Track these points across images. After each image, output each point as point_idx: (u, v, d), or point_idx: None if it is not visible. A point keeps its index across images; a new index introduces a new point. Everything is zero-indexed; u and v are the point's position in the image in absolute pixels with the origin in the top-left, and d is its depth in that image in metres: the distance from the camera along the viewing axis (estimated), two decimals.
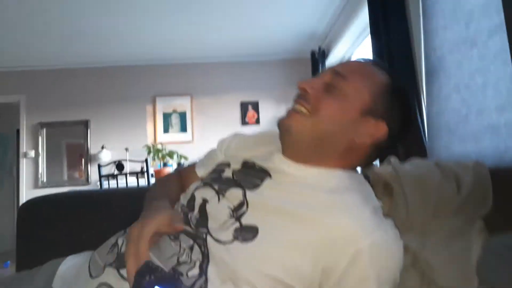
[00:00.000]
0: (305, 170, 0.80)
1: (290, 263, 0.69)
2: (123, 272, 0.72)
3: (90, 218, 1.08)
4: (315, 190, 0.77)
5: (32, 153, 4.91)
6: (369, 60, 0.89)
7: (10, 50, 4.45)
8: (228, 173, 0.86)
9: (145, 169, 4.06)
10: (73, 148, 5.05)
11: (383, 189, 1.11)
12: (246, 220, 0.74)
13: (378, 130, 0.79)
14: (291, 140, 0.82)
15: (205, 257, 0.72)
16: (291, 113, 0.82)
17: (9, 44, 4.27)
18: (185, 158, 4.17)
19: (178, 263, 0.72)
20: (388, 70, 0.86)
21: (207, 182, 0.86)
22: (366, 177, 1.17)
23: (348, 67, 0.84)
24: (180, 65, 5.04)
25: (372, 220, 0.71)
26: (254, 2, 3.58)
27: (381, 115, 0.79)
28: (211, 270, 0.70)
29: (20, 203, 4.79)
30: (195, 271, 0.71)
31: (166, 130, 5.00)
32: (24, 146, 4.95)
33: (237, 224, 0.74)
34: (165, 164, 4.29)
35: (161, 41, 4.40)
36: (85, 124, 4.94)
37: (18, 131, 5.12)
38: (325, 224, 0.70)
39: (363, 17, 2.94)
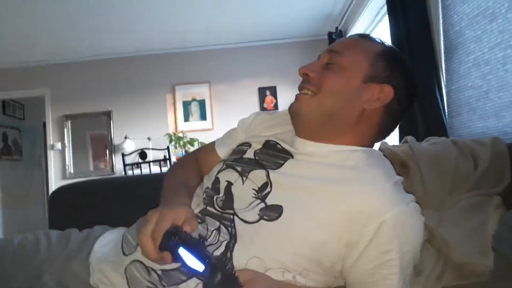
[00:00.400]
0: (325, 147, 0.82)
1: (315, 239, 0.72)
2: None
3: (117, 203, 1.13)
4: (337, 168, 0.78)
5: (58, 145, 5.06)
6: (361, 34, 0.91)
7: (33, 45, 4.55)
8: (250, 153, 0.88)
9: (167, 157, 4.15)
10: (97, 139, 5.17)
11: (400, 168, 1.12)
12: (270, 200, 0.76)
13: (383, 93, 0.80)
14: (303, 121, 0.84)
15: (232, 237, 0.75)
16: (297, 97, 0.85)
17: (32, 40, 4.37)
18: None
19: (206, 240, 0.75)
20: (380, 40, 0.87)
21: (229, 164, 0.88)
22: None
23: (342, 44, 0.86)
24: (198, 53, 5.06)
25: (394, 194, 0.73)
26: None
27: (383, 79, 0.80)
28: (237, 248, 0.73)
29: (49, 194, 4.97)
30: (221, 249, 0.74)
31: (186, 118, 5.05)
32: (50, 138, 5.10)
33: (262, 204, 0.76)
34: (186, 152, 4.36)
35: (178, 29, 4.41)
36: (108, 115, 5.05)
37: (44, 124, 5.27)
38: (348, 199, 0.72)
39: None
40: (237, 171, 0.85)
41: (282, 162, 0.82)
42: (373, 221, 0.70)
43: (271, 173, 0.80)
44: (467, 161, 1.02)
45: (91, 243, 0.93)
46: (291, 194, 0.76)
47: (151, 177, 1.46)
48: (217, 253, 0.74)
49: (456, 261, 0.80)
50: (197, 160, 1.03)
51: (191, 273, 0.67)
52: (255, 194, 0.78)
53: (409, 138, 1.22)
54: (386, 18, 2.45)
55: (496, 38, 1.59)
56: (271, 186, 0.78)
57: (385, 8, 2.49)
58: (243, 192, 0.80)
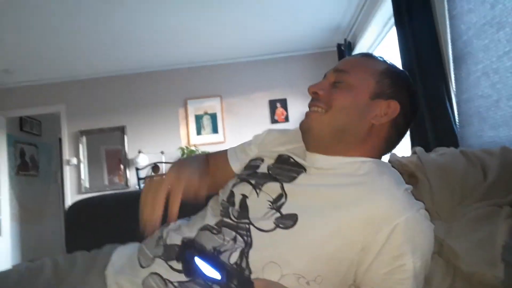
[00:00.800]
0: (336, 160, 0.86)
1: (330, 245, 0.74)
2: (171, 263, 0.79)
3: (132, 216, 1.15)
4: (349, 176, 0.82)
5: (74, 160, 5.15)
6: (364, 53, 0.96)
7: (48, 63, 4.68)
8: (263, 168, 0.91)
9: None
10: (111, 153, 5.25)
11: (408, 179, 1.12)
12: (285, 209, 0.79)
13: (390, 108, 0.85)
14: (314, 137, 0.88)
15: (248, 245, 0.77)
16: (308, 114, 0.89)
17: (47, 57, 4.50)
18: None
19: (220, 251, 0.77)
20: (382, 58, 0.92)
21: (243, 178, 0.91)
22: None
23: (348, 63, 0.91)
24: (209, 67, 5.13)
25: (405, 200, 0.76)
26: None
27: (389, 95, 0.85)
28: (252, 254, 0.75)
29: (65, 209, 5.06)
30: (236, 255, 0.76)
31: (198, 132, 5.10)
32: (66, 153, 5.20)
33: (277, 214, 0.79)
34: None
35: (189, 44, 4.49)
36: (122, 130, 5.13)
37: (60, 140, 5.38)
38: (361, 205, 0.75)
39: (387, 7, 2.91)
40: (251, 184, 0.87)
41: (296, 175, 0.86)
42: (385, 226, 0.73)
43: (285, 185, 0.83)
44: (476, 171, 1.02)
45: (106, 257, 0.95)
46: (305, 203, 0.79)
47: None
48: (233, 259, 0.76)
49: (465, 271, 0.80)
50: (208, 161, 1.06)
51: (209, 281, 0.69)
52: (270, 205, 0.81)
53: (418, 149, 1.23)
54: (394, 29, 2.46)
55: (504, 47, 1.60)
56: (286, 197, 0.81)
57: (393, 19, 2.51)
58: (258, 204, 0.83)
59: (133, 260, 0.88)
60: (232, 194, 0.88)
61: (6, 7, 3.26)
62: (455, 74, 1.97)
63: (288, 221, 0.76)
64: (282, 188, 0.83)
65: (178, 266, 0.78)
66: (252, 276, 0.73)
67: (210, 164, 1.05)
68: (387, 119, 0.85)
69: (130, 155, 5.08)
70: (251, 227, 0.79)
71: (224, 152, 1.08)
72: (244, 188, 0.87)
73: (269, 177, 0.87)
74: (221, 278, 0.66)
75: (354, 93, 0.85)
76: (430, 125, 2.02)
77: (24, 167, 5.87)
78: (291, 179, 0.85)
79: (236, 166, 1.03)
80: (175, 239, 0.83)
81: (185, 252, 0.70)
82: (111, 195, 1.52)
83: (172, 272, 0.78)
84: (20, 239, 5.54)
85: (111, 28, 3.90)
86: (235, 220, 0.82)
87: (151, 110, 5.11)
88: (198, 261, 0.68)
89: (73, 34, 3.94)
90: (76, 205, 1.36)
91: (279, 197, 0.82)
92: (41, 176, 6.24)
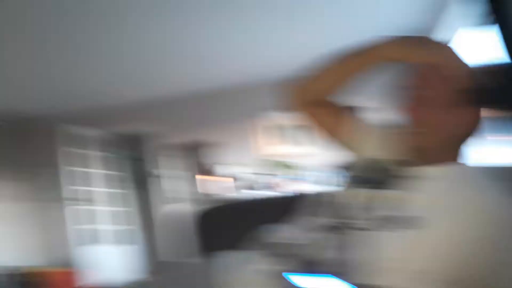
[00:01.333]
0: (434, 169, 0.84)
1: (436, 253, 0.73)
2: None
3: (258, 222, 1.28)
4: (447, 182, 0.81)
5: (164, 173, 5.57)
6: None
7: (141, 83, 5.07)
8: (358, 173, 0.95)
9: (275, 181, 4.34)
10: (201, 167, 5.51)
11: None
12: (404, 213, 0.78)
13: (473, 116, 0.83)
14: (420, 158, 0.86)
15: (347, 243, 0.81)
16: (410, 136, 0.87)
17: (140, 77, 4.87)
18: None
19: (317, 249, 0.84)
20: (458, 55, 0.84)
21: (355, 186, 0.93)
22: None
23: (421, 75, 0.85)
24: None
25: (494, 211, 0.73)
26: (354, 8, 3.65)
27: (472, 100, 0.81)
28: (351, 253, 0.79)
29: (154, 219, 5.42)
30: (331, 253, 0.82)
31: (282, 144, 5.17)
32: (156, 166, 5.65)
33: (381, 216, 0.80)
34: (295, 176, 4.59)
35: (268, 55, 4.58)
36: (210, 144, 5.41)
37: (150, 153, 5.82)
38: (467, 209, 0.74)
39: (474, 6, 2.82)
40: (352, 189, 0.92)
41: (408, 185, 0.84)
42: (480, 238, 0.71)
43: (393, 193, 0.84)
44: None
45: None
46: (421, 209, 0.77)
47: (281, 198, 1.56)
48: (329, 256, 0.81)
49: None
50: None
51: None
52: (383, 212, 0.81)
53: None
54: (479, 29, 2.39)
55: None
56: (388, 201, 0.82)
57: (477, 19, 2.44)
58: (360, 207, 0.85)
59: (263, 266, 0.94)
60: (334, 200, 0.93)
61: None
62: None
63: (394, 224, 0.77)
64: (391, 195, 0.84)
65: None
66: None
67: None
68: (471, 127, 0.84)
69: (218, 169, 5.36)
70: (351, 226, 0.83)
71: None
72: (346, 194, 0.92)
73: (367, 180, 0.90)
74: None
75: (436, 109, 0.82)
76: None
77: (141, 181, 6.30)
78: (393, 184, 0.86)
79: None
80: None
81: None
82: (237, 202, 1.66)
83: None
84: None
85: (194, 45, 4.13)
86: (337, 220, 0.87)
87: (238, 124, 5.38)
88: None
89: (151, 54, 4.27)
90: (206, 213, 1.53)
91: (382, 200, 0.83)
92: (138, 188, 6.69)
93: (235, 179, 4.97)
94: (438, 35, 3.90)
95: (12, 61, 3.98)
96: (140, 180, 6.76)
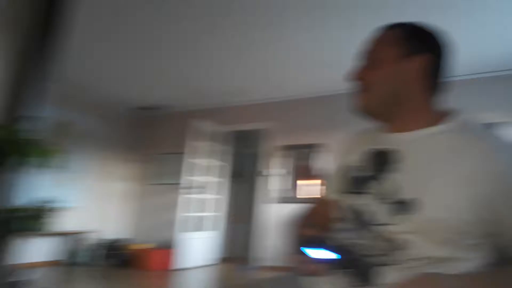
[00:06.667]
0: (416, 134, 0.90)
1: (455, 214, 0.76)
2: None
3: None
4: (440, 147, 0.84)
5: (277, 171, 5.71)
6: (382, 27, 1.00)
7: (271, 84, 5.43)
8: (362, 172, 0.94)
9: None
10: (303, 168, 5.59)
11: None
12: (403, 197, 0.82)
13: (415, 61, 0.91)
14: (372, 114, 0.95)
15: (388, 246, 0.82)
16: (355, 97, 0.97)
17: (256, 81, 5.24)
18: None
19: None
20: (397, 23, 0.98)
21: (351, 191, 0.94)
22: None
23: (371, 43, 0.99)
24: None
25: (498, 151, 0.79)
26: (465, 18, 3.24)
27: (412, 51, 0.91)
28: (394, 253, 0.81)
29: (263, 215, 5.63)
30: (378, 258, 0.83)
31: None
32: (266, 165, 5.85)
33: (397, 205, 0.82)
34: None
35: None
36: (320, 146, 5.44)
37: (267, 151, 6.05)
38: (465, 167, 0.78)
39: None
40: (359, 193, 0.91)
41: (396, 164, 0.87)
42: (492, 176, 0.75)
43: (393, 176, 0.86)
44: None
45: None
46: (418, 185, 0.81)
47: None
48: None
49: None
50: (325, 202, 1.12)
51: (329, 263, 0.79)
52: (386, 201, 0.84)
53: None
54: None
55: None
56: (398, 187, 0.84)
57: None
58: (376, 205, 0.86)
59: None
60: (347, 208, 0.93)
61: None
62: None
63: (410, 208, 0.79)
64: (391, 181, 0.85)
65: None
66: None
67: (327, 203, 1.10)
68: (416, 72, 0.90)
69: (322, 171, 5.32)
70: (376, 227, 0.84)
71: (327, 198, 1.11)
72: (357, 199, 0.91)
73: (373, 177, 0.90)
74: (338, 257, 0.77)
75: (384, 65, 0.93)
76: None
77: (238, 173, 6.81)
78: (394, 169, 0.87)
79: (334, 195, 1.05)
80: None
81: (299, 247, 0.82)
82: None
83: None
84: (224, 236, 6.45)
85: (309, 54, 4.26)
86: (359, 228, 0.87)
87: (342, 129, 5.24)
88: (309, 251, 0.78)
89: (290, 57, 4.48)
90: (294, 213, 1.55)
91: (393, 191, 0.84)
92: (248, 183, 7.10)
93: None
94: None
95: (159, 63, 4.84)
96: (249, 176, 7.12)
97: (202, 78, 5.29)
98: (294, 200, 5.42)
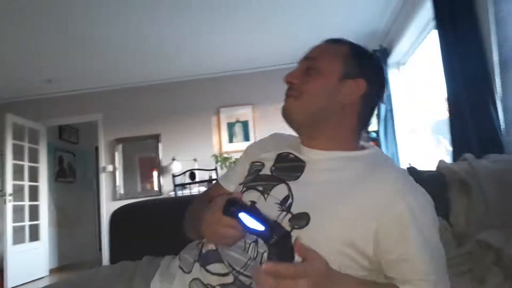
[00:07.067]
0: (331, 154, 0.89)
1: (344, 236, 0.76)
2: (209, 267, 0.83)
3: (173, 222, 1.17)
4: (348, 170, 0.85)
5: (110, 168, 5.29)
6: (329, 39, 0.99)
7: (86, 73, 4.87)
8: (265, 171, 0.93)
9: (213, 177, 4.21)
10: (145, 161, 5.37)
11: (459, 186, 1.08)
12: (295, 209, 0.81)
13: (358, 86, 0.89)
14: (295, 123, 0.93)
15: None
16: (285, 101, 0.94)
17: (85, 68, 4.68)
18: None
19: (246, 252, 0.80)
20: (347, 40, 0.97)
21: (250, 186, 0.92)
22: (442, 175, 1.15)
23: (315, 50, 0.96)
24: (241, 75, 5.18)
25: (405, 184, 0.80)
26: (311, 5, 3.62)
27: (356, 74, 0.90)
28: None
29: (101, 215, 5.20)
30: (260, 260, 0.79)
31: (230, 139, 5.15)
32: (102, 161, 5.36)
33: (289, 215, 0.80)
34: None
35: (222, 52, 4.56)
36: (156, 138, 5.25)
37: (97, 148, 5.55)
38: (364, 195, 0.78)
39: (425, 11, 2.84)
40: (258, 190, 0.89)
41: (299, 173, 0.87)
42: (390, 211, 0.76)
43: (291, 184, 0.85)
44: None
45: (150, 267, 0.98)
46: (313, 200, 0.81)
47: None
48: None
49: None
50: (212, 196, 1.05)
51: (253, 233, 0.73)
52: (279, 207, 0.82)
53: (468, 155, 1.19)
54: (433, 32, 2.40)
55: None
56: (292, 197, 0.83)
57: (432, 23, 2.45)
58: (268, 208, 0.83)
59: (175, 267, 0.91)
60: None
61: (47, 17, 3.42)
62: (501, 79, 1.90)
63: (301, 221, 0.78)
64: (289, 188, 0.85)
65: (216, 269, 0.82)
66: None
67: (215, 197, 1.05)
68: (355, 96, 0.89)
69: (164, 163, 5.18)
70: None
71: (217, 183, 1.10)
72: (252, 195, 0.88)
73: (274, 178, 0.89)
74: (265, 230, 0.70)
75: (323, 78, 0.90)
76: (473, 131, 1.95)
77: (62, 174, 6.09)
78: (296, 177, 0.87)
79: (231, 186, 1.04)
80: (210, 245, 0.86)
81: (231, 208, 0.74)
82: (152, 201, 1.54)
83: (211, 276, 0.81)
84: (57, 244, 5.72)
85: (146, 40, 4.02)
86: None
87: (185, 118, 5.20)
88: (243, 215, 0.71)
89: (110, 45, 4.09)
90: (119, 211, 1.39)
91: (286, 198, 0.83)
92: (78, 183, 6.45)
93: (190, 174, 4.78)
94: (394, 39, 3.93)
95: None
96: (81, 175, 6.50)
97: (14, 66, 4.46)
98: (137, 195, 5.16)
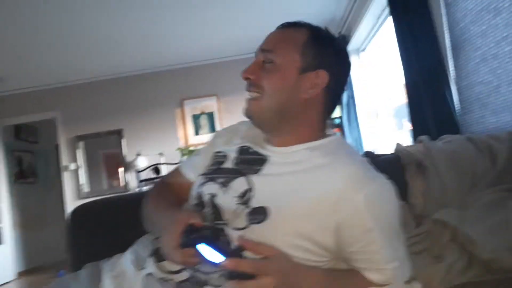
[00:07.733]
0: (293, 148, 0.86)
1: (303, 230, 0.76)
2: (164, 264, 0.82)
3: (136, 218, 1.15)
4: (307, 162, 0.82)
5: (72, 166, 5.12)
6: (285, 23, 0.93)
7: (42, 69, 4.64)
8: (227, 163, 0.91)
9: None
10: (110, 157, 5.22)
11: (416, 168, 1.12)
12: (254, 203, 0.79)
13: (319, 78, 0.84)
14: (260, 122, 0.89)
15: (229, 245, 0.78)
16: (247, 101, 0.90)
17: (40, 63, 4.47)
18: None
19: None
20: (305, 23, 0.91)
21: (211, 177, 0.90)
22: (399, 158, 1.18)
23: (271, 40, 0.89)
24: (204, 66, 5.11)
25: (364, 174, 0.78)
26: None
27: (316, 65, 0.84)
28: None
29: (65, 215, 5.02)
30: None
31: (196, 132, 5.09)
32: (64, 159, 5.17)
33: (247, 209, 0.79)
34: None
35: (183, 43, 4.48)
36: (119, 133, 5.11)
37: (57, 146, 5.35)
38: (323, 187, 0.77)
39: None
40: (217, 182, 0.87)
41: (260, 167, 0.85)
42: (348, 204, 0.74)
43: (251, 177, 0.84)
44: (485, 157, 1.01)
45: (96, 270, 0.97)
46: (272, 194, 0.79)
47: None
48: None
49: (482, 257, 0.80)
50: (170, 184, 1.05)
51: (212, 266, 0.71)
52: (238, 201, 0.81)
53: (423, 137, 1.22)
54: (389, 19, 2.46)
55: (502, 32, 1.60)
56: (252, 190, 0.82)
57: (387, 9, 2.50)
58: (227, 201, 0.82)
59: (128, 264, 0.90)
60: (200, 195, 0.88)
61: None
62: (454, 61, 1.97)
63: (259, 215, 0.77)
64: (248, 181, 0.83)
65: (171, 266, 0.81)
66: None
67: (174, 186, 1.03)
68: (318, 89, 0.85)
69: (128, 158, 5.06)
70: (226, 228, 0.80)
71: (177, 170, 1.07)
72: (212, 187, 0.87)
73: (235, 171, 0.87)
74: (224, 260, 0.68)
75: (281, 73, 0.84)
76: (430, 113, 2.01)
77: (22, 174, 5.84)
78: (256, 171, 0.85)
79: (191, 175, 1.01)
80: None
81: (188, 238, 0.71)
82: (114, 198, 1.50)
83: (165, 274, 0.81)
84: (22, 246, 5.51)
85: (103, 32, 3.87)
86: (210, 223, 0.82)
87: (148, 112, 5.09)
88: (201, 247, 0.69)
89: (64, 38, 3.92)
90: (79, 209, 1.34)
91: (246, 191, 0.82)
92: (40, 183, 6.21)
93: (154, 168, 4.70)
94: (352, 26, 3.97)
95: None
96: (43, 174, 6.27)
97: None
98: (104, 193, 5.03)
